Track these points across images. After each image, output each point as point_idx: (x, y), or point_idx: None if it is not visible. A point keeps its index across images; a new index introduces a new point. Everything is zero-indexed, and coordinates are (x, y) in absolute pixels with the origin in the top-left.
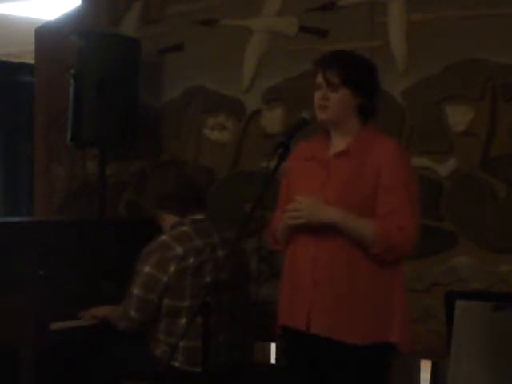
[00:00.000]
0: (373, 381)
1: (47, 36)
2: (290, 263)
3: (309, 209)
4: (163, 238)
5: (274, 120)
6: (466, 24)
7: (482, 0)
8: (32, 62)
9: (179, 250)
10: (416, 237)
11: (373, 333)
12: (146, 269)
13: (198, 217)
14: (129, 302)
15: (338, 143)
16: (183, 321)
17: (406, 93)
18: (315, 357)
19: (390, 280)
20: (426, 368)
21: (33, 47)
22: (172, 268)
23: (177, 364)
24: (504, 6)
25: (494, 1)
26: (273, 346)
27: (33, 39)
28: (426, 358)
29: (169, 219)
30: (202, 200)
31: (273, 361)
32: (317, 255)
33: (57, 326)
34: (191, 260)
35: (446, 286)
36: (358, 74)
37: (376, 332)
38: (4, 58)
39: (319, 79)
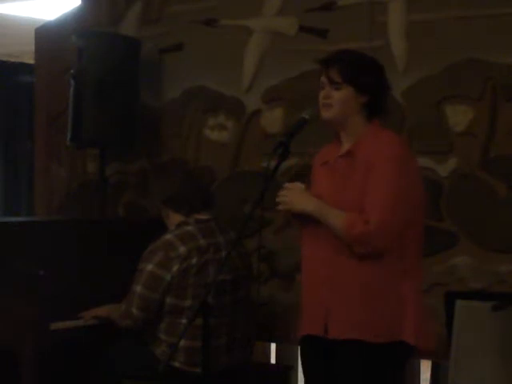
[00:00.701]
0: (385, 379)
1: (47, 36)
2: (305, 269)
3: (291, 197)
4: (167, 236)
5: (274, 120)
6: (466, 24)
7: (482, 0)
8: (32, 62)
9: (182, 249)
10: (385, 232)
11: (385, 331)
12: (149, 267)
13: (204, 217)
14: (131, 300)
15: (345, 144)
16: (185, 320)
17: (406, 93)
18: (333, 359)
19: (396, 278)
20: (426, 368)
21: (33, 47)
22: (175, 267)
23: (177, 364)
24: (504, 6)
25: (494, 1)
26: (273, 346)
27: (33, 39)
28: (426, 358)
29: (174, 218)
30: (208, 200)
31: (273, 361)
32: (327, 256)
33: (57, 325)
34: (194, 260)
35: (445, 285)
36: (360, 71)
37: (388, 330)
38: (4, 58)
39: (323, 78)
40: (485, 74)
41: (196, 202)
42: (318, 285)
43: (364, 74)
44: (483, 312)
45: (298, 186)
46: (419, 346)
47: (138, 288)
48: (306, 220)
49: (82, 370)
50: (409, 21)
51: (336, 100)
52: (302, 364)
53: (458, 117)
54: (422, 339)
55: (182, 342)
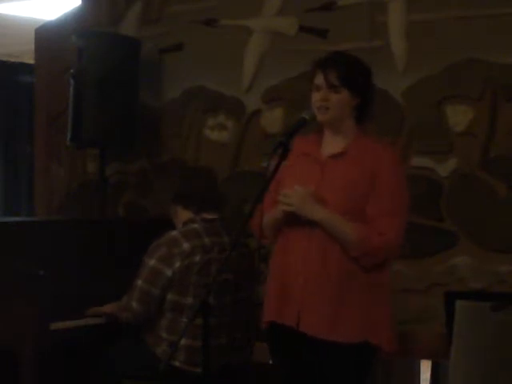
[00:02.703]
0: (355, 379)
1: (47, 36)
2: (281, 260)
3: (301, 200)
4: (173, 233)
5: (274, 120)
6: (466, 24)
7: (482, 0)
8: (32, 62)
9: (186, 246)
10: (398, 244)
11: (359, 333)
12: (152, 262)
13: (211, 216)
14: (132, 294)
15: (332, 143)
16: (185, 319)
17: (406, 93)
18: (302, 354)
19: (378, 281)
20: (426, 368)
21: (33, 47)
22: (177, 264)
23: (177, 363)
24: (504, 6)
25: (494, 1)
26: None
27: (33, 39)
28: (426, 358)
29: (183, 215)
30: (218, 200)
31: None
32: (308, 254)
33: (57, 326)
34: (198, 257)
35: (445, 285)
36: (356, 75)
37: (362, 332)
38: (4, 58)
39: (319, 80)
40: (485, 73)
41: (206, 200)
42: (296, 279)
43: (359, 76)
44: (483, 312)
45: (307, 190)
46: (389, 346)
47: (139, 282)
48: (296, 219)
49: (81, 370)
50: (409, 21)
51: (334, 103)
52: (271, 354)
53: (458, 117)
54: (392, 338)
55: (183, 341)
